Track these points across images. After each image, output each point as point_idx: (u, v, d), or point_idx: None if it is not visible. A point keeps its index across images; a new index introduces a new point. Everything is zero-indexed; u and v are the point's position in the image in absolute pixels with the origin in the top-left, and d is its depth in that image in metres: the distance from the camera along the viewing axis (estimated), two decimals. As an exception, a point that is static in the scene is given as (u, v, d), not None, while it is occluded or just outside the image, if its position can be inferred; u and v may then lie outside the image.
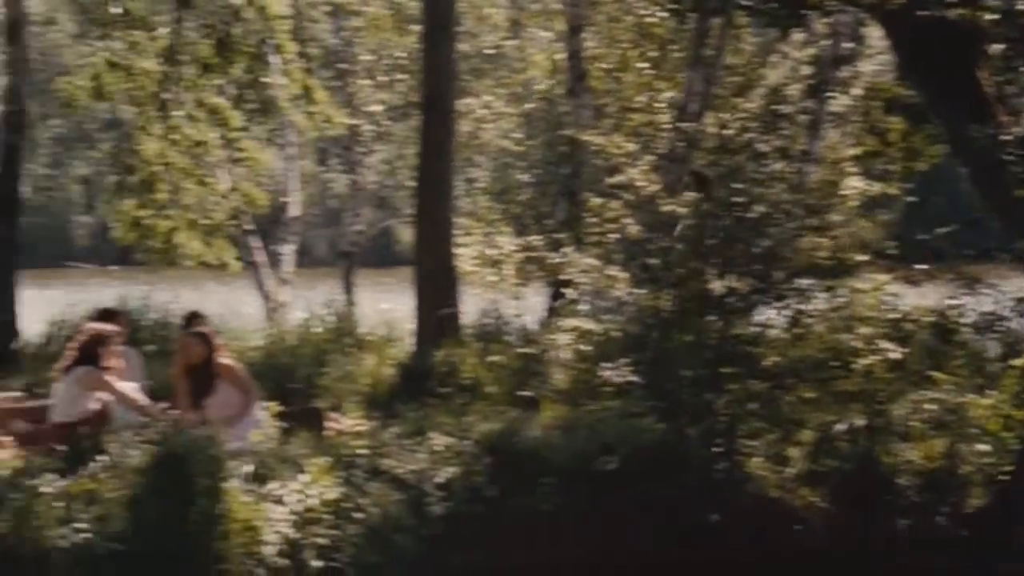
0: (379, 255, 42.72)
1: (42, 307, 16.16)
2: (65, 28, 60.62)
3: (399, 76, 23.60)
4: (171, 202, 17.52)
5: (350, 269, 24.96)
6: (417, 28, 18.16)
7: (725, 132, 13.05)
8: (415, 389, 12.52)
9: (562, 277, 14.00)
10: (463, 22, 20.64)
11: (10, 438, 11.78)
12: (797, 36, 18.70)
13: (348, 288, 24.14)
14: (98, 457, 9.58)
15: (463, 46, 20.03)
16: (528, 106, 22.76)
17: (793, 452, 11.15)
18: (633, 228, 12.54)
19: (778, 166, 12.66)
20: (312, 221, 56.13)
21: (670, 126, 16.94)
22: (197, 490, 9.09)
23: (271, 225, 26.50)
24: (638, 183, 12.68)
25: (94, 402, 11.40)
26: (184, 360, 11.74)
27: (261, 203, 18.59)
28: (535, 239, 16.03)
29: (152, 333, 15.29)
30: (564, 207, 17.22)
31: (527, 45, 23.72)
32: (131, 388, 11.78)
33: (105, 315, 13.06)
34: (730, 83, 18.75)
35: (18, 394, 13.18)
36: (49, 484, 9.08)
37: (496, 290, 16.04)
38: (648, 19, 19.11)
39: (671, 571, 10.30)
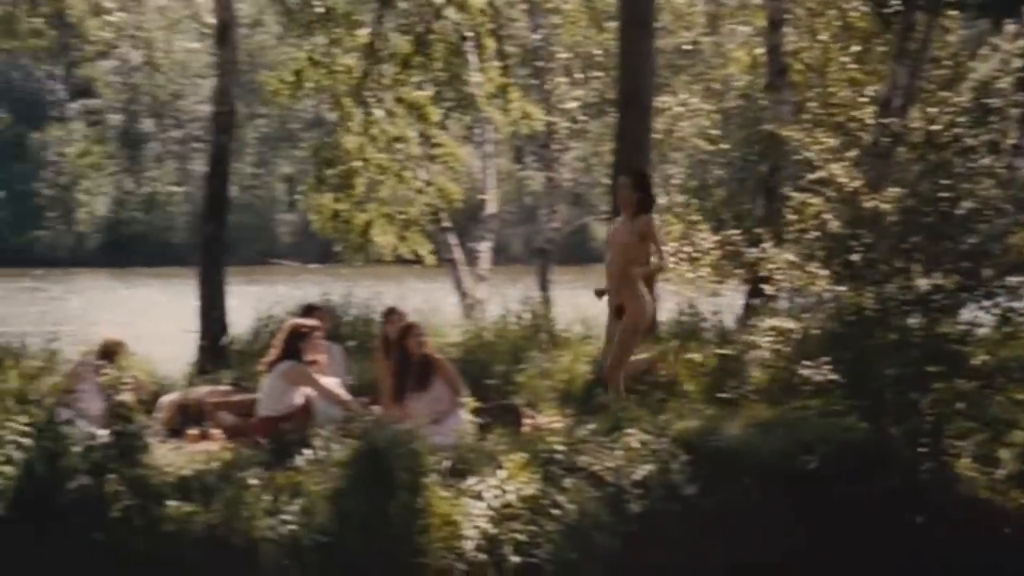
0: (574, 252, 42.83)
1: (248, 303, 16.54)
2: (271, 30, 62.24)
3: (595, 73, 23.59)
4: (368, 196, 17.85)
5: (545, 266, 25.05)
6: (614, 24, 18.11)
7: (931, 127, 12.72)
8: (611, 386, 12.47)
9: (760, 274, 13.83)
10: (661, 18, 20.53)
11: (218, 431, 12.15)
12: (1008, 27, 18.18)
13: (543, 285, 24.24)
14: (303, 451, 9.77)
15: (660, 42, 19.94)
16: (726, 102, 22.56)
17: (1004, 453, 10.81)
18: (834, 224, 12.32)
19: (987, 161, 12.28)
20: (507, 219, 56.72)
21: (873, 121, 16.60)
22: (398, 484, 9.19)
23: (468, 222, 26.76)
24: (840, 179, 12.45)
25: (299, 397, 11.66)
26: (407, 350, 11.97)
27: (456, 198, 18.77)
28: (733, 236, 15.86)
29: (354, 329, 15.56)
30: (762, 204, 16.99)
31: (725, 41, 23.53)
32: (333, 383, 12.01)
33: (308, 311, 13.35)
34: (937, 77, 18.31)
35: (226, 388, 13.54)
36: (256, 476, 9.28)
37: (693, 287, 15.89)
38: (851, 13, 18.79)
39: (873, 573, 10.10)
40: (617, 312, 11.95)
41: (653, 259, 11.85)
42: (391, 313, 13.47)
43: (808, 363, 11.50)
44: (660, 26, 19.84)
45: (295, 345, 11.79)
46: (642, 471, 10.02)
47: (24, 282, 48.75)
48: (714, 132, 22.74)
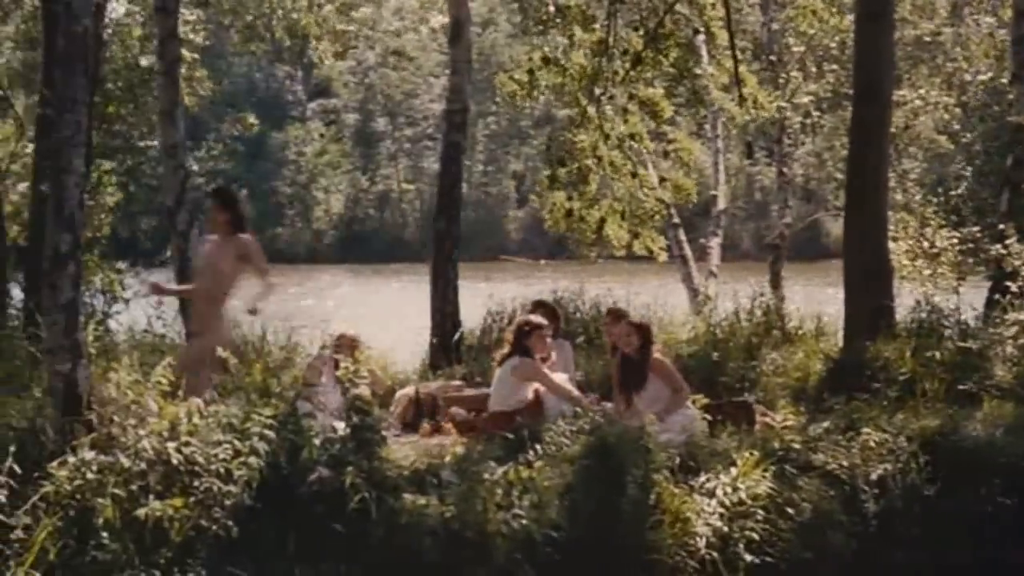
0: (806, 248, 42.24)
1: (479, 299, 16.72)
2: (502, 28, 63.01)
3: (830, 66, 23.18)
4: (601, 193, 17.89)
5: (777, 262, 24.74)
6: (851, 17, 17.76)
7: None
8: (845, 384, 12.24)
9: (1005, 270, 13.40)
10: (899, 8, 20.05)
11: (451, 425, 12.33)
12: None
13: (775, 281, 23.93)
14: (534, 446, 9.82)
15: (898, 33, 19.45)
16: (967, 95, 21.92)
17: None
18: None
19: None
20: (737, 214, 56.24)
21: None
22: (628, 481, 9.16)
23: (698, 218, 26.57)
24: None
25: (529, 392, 11.74)
26: (620, 349, 11.94)
27: (690, 193, 18.69)
28: (974, 231, 15.41)
29: (583, 325, 15.59)
30: (1007, 198, 16.41)
31: (968, 32, 22.86)
32: (563, 379, 12.06)
33: (538, 307, 13.42)
34: None
35: (459, 383, 13.73)
36: (489, 471, 9.37)
37: (931, 284, 15.48)
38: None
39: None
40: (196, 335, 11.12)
41: (258, 281, 11.02)
42: (609, 314, 13.45)
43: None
44: (898, 17, 19.36)
45: (524, 341, 11.90)
46: (879, 470, 9.80)
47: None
48: (954, 126, 22.10)
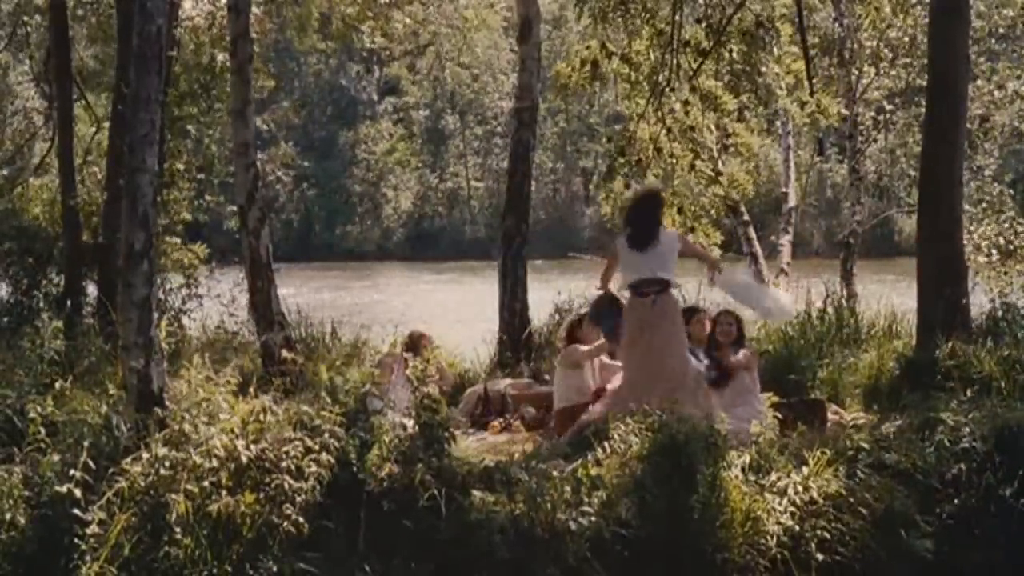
0: (878, 246, 41.79)
1: (548, 296, 16.71)
2: (573, 27, 62.92)
3: (903, 60, 22.93)
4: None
5: (848, 259, 24.51)
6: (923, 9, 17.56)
7: None
8: (918, 382, 12.11)
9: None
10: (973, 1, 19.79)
11: (520, 422, 12.37)
12: None
13: (847, 279, 23.72)
14: (602, 443, 9.80)
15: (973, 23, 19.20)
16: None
17: None
18: None
19: None
20: (808, 211, 55.88)
21: None
22: (698, 479, 9.12)
23: (768, 216, 26.36)
24: None
25: (590, 385, 11.77)
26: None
27: (747, 189, 18.54)
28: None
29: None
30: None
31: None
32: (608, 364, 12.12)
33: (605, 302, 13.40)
34: None
35: (527, 380, 13.74)
36: (558, 468, 9.37)
37: (1007, 281, 15.28)
38: None
39: None
40: None
41: None
42: (685, 312, 13.36)
43: None
44: (973, 9, 19.10)
45: (575, 333, 12.02)
46: (954, 470, 9.69)
47: (333, 275, 50.62)
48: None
